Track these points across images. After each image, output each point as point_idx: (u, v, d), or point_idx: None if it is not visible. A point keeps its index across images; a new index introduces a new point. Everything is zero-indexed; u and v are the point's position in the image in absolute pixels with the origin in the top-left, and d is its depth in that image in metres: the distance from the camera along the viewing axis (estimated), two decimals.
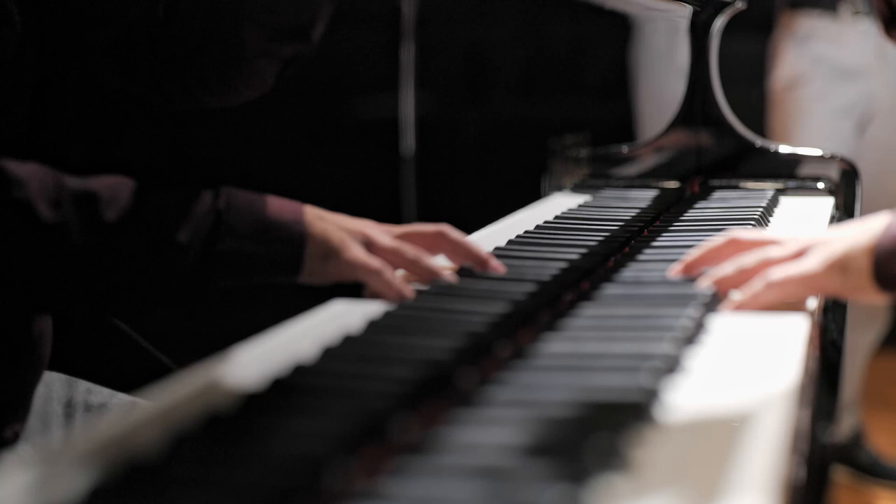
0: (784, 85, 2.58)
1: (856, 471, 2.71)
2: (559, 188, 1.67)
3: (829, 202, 1.77)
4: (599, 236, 1.31)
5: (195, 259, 0.91)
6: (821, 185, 1.85)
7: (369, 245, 0.99)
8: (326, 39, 1.50)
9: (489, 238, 1.28)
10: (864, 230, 0.97)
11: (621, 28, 1.86)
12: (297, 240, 0.95)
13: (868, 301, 0.98)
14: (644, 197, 1.69)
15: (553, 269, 1.10)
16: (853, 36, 2.54)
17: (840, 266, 0.96)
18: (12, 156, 0.89)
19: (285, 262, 0.95)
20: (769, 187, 1.84)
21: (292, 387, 0.76)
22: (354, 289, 1.00)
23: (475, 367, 0.80)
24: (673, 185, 1.86)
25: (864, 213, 1.81)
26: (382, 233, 1.02)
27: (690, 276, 1.07)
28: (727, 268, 1.03)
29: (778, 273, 0.98)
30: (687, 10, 1.88)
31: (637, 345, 0.86)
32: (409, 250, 1.01)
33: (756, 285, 0.99)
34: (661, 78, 1.97)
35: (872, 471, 2.71)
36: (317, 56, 1.49)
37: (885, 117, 2.58)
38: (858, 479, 2.70)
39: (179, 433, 0.66)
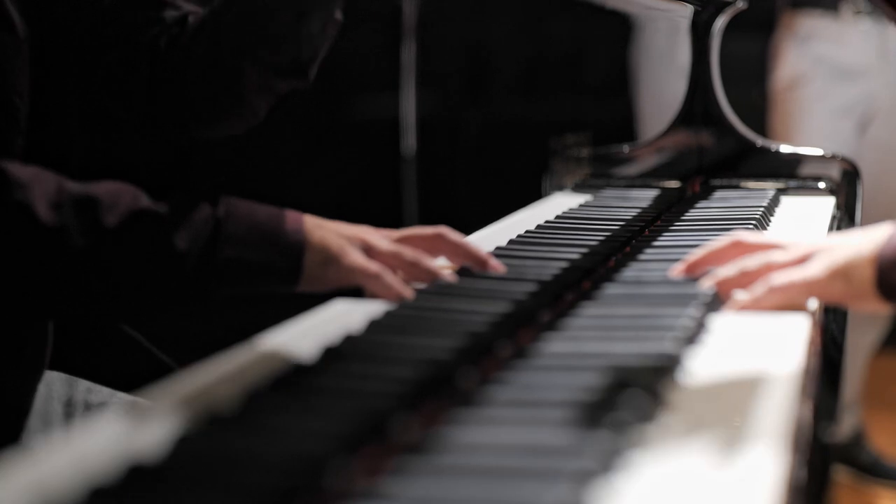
0: (785, 85, 2.58)
1: (857, 470, 2.71)
2: (560, 188, 1.67)
3: (830, 202, 1.76)
4: (600, 236, 1.30)
5: (194, 266, 0.91)
6: (822, 184, 1.85)
7: (368, 250, 0.99)
8: None
9: (490, 237, 1.28)
10: (868, 239, 0.97)
11: (622, 28, 1.86)
12: (296, 248, 0.95)
13: (869, 309, 0.98)
14: (645, 196, 1.69)
15: (554, 268, 1.10)
16: (854, 36, 2.54)
17: (843, 274, 0.96)
18: (12, 159, 0.89)
19: (285, 271, 0.95)
20: (770, 187, 1.84)
21: (293, 386, 0.76)
22: (355, 289, 1.00)
23: (476, 367, 0.80)
24: (674, 184, 1.86)
25: (865, 212, 1.81)
26: (381, 238, 1.02)
27: (693, 276, 1.07)
28: (730, 269, 1.03)
29: (780, 277, 0.98)
30: (688, 9, 1.88)
31: (638, 344, 0.86)
32: (409, 252, 1.01)
33: (758, 289, 0.99)
34: (662, 78, 1.97)
35: (873, 470, 2.71)
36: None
37: (886, 117, 2.58)
38: (859, 478, 2.70)
39: (181, 431, 0.66)
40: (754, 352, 0.89)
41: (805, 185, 1.85)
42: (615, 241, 1.29)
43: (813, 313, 0.99)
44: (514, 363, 0.83)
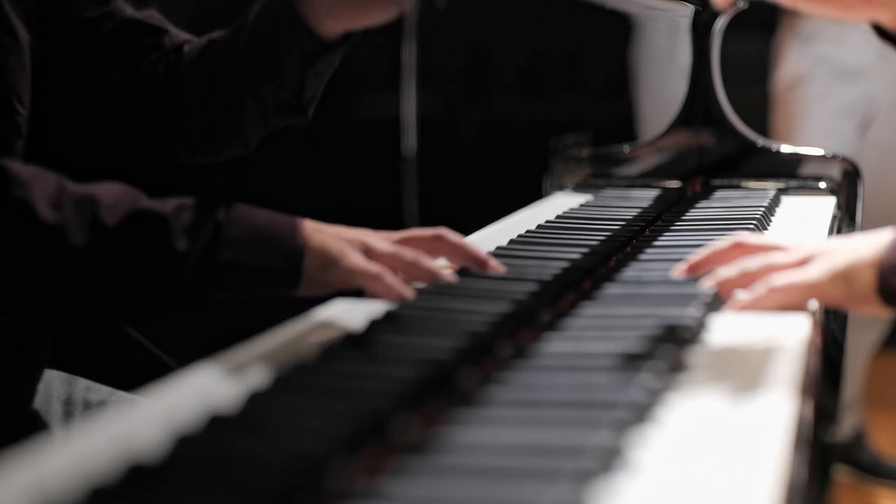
0: (786, 84, 2.58)
1: (857, 470, 2.71)
2: (560, 188, 1.66)
3: (830, 202, 1.76)
4: (601, 236, 1.30)
5: (194, 268, 0.91)
6: (822, 184, 1.85)
7: (368, 252, 1.00)
8: None
9: (491, 237, 1.28)
10: (870, 243, 0.97)
11: (623, 28, 1.86)
12: (295, 251, 0.95)
13: (869, 313, 0.98)
14: (645, 196, 1.69)
15: (554, 268, 1.10)
16: (855, 36, 2.54)
17: (843, 277, 0.97)
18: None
19: (284, 274, 0.95)
20: (771, 187, 1.84)
21: (293, 386, 0.76)
22: (355, 290, 1.00)
23: (476, 367, 0.80)
24: (674, 184, 1.86)
25: (865, 212, 1.81)
26: (381, 240, 1.02)
27: (694, 276, 1.07)
28: (730, 269, 1.03)
29: (781, 279, 0.99)
30: (688, 9, 1.88)
31: (639, 344, 0.86)
32: (408, 253, 1.02)
33: (759, 289, 0.99)
34: (663, 77, 1.97)
35: (874, 470, 2.71)
36: None
37: (886, 117, 2.58)
38: (860, 478, 2.70)
39: (180, 433, 0.66)
40: (755, 351, 0.89)
41: (806, 185, 1.85)
42: (615, 241, 1.29)
43: (813, 314, 0.99)
44: (514, 363, 0.83)
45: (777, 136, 2.48)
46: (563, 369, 0.82)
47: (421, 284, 1.01)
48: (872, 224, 1.77)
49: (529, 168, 1.63)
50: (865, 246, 0.98)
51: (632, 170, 1.86)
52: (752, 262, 1.02)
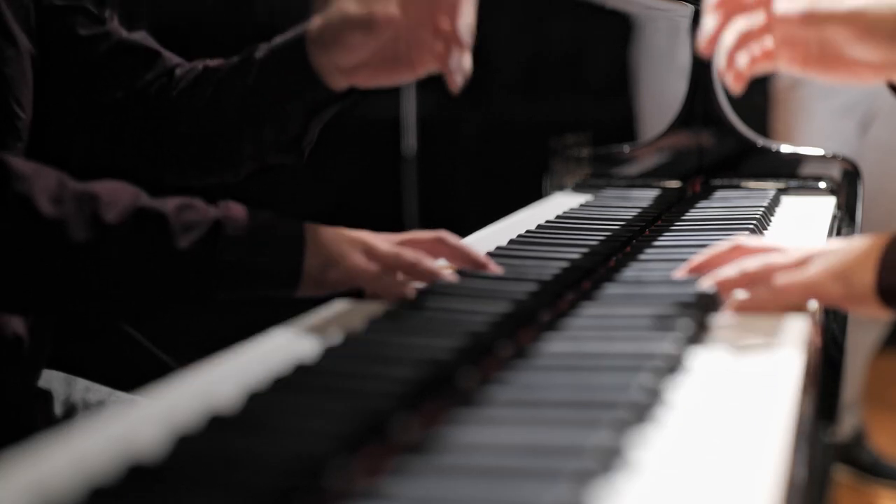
0: (786, 84, 2.57)
1: (857, 470, 2.71)
2: (560, 188, 1.66)
3: (830, 202, 1.76)
4: (601, 236, 1.30)
5: (194, 266, 0.92)
6: (822, 184, 1.85)
7: (368, 252, 1.00)
8: None
9: (490, 237, 1.28)
10: (869, 244, 0.98)
11: (623, 27, 1.86)
12: (295, 251, 0.96)
13: (868, 314, 0.98)
14: (645, 196, 1.69)
15: (554, 268, 1.10)
16: None
17: (842, 277, 0.97)
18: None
19: (285, 274, 0.96)
20: (771, 187, 1.84)
21: (293, 386, 0.76)
22: (355, 290, 1.00)
23: (476, 367, 0.80)
24: (674, 184, 1.86)
25: (865, 212, 1.81)
26: (381, 241, 1.02)
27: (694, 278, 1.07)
28: (730, 270, 1.03)
29: (780, 279, 0.99)
30: (688, 9, 1.88)
31: (638, 344, 0.86)
32: (409, 254, 1.02)
33: (758, 290, 0.99)
34: (663, 77, 1.97)
35: (874, 470, 2.71)
36: None
37: (886, 117, 2.58)
38: (860, 478, 2.70)
39: (180, 433, 0.66)
40: (755, 351, 0.89)
41: (806, 185, 1.85)
42: (615, 241, 1.29)
43: (813, 314, 0.99)
44: (514, 363, 0.83)
45: (777, 136, 2.48)
46: (563, 369, 0.82)
47: (421, 284, 1.01)
48: (872, 224, 1.77)
49: (529, 168, 1.63)
50: (864, 246, 0.98)
51: (632, 170, 1.86)
52: (751, 263, 1.02)
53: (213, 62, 1.17)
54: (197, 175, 1.19)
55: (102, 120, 1.15)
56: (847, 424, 2.70)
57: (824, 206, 1.72)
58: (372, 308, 0.96)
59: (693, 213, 1.58)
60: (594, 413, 0.70)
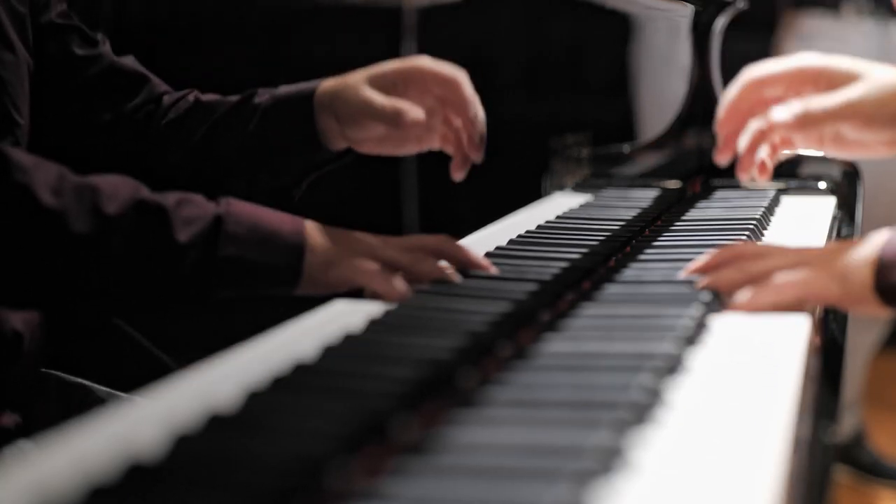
0: None
1: (857, 471, 2.71)
2: (560, 188, 1.66)
3: (830, 202, 1.76)
4: (601, 236, 1.30)
5: (195, 261, 0.92)
6: (822, 184, 1.85)
7: (368, 252, 1.00)
8: (327, 38, 1.50)
9: (490, 237, 1.28)
10: (867, 244, 0.98)
11: (622, 28, 1.86)
12: (297, 249, 0.96)
13: (867, 313, 0.99)
14: (645, 196, 1.69)
15: (554, 268, 1.10)
16: (856, 36, 2.54)
17: (841, 276, 0.97)
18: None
19: (285, 272, 0.96)
20: (771, 187, 1.83)
21: (293, 386, 0.76)
22: (355, 289, 1.00)
23: (476, 367, 0.80)
24: (674, 184, 1.86)
25: (865, 212, 1.81)
26: (381, 241, 1.02)
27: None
28: (730, 270, 1.03)
29: (780, 278, 0.99)
30: (688, 9, 1.88)
31: (638, 344, 0.86)
32: (409, 254, 1.02)
33: (758, 290, 0.99)
34: (663, 77, 1.97)
35: (874, 471, 2.71)
36: (318, 56, 1.49)
37: None
38: (860, 478, 2.70)
39: (179, 433, 0.66)
40: (755, 351, 0.89)
41: (805, 185, 1.85)
42: (615, 241, 1.29)
43: (813, 314, 0.99)
44: (514, 363, 0.83)
45: None
46: (563, 369, 0.82)
47: (421, 284, 1.01)
48: (872, 224, 1.77)
49: (529, 168, 1.63)
50: (863, 246, 0.98)
51: (632, 170, 1.86)
52: (751, 263, 1.03)
53: (204, 96, 1.18)
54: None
55: (92, 140, 1.16)
56: (847, 424, 2.70)
57: (824, 207, 1.72)
58: (372, 308, 0.96)
59: (693, 214, 1.58)
60: (594, 413, 0.70)
